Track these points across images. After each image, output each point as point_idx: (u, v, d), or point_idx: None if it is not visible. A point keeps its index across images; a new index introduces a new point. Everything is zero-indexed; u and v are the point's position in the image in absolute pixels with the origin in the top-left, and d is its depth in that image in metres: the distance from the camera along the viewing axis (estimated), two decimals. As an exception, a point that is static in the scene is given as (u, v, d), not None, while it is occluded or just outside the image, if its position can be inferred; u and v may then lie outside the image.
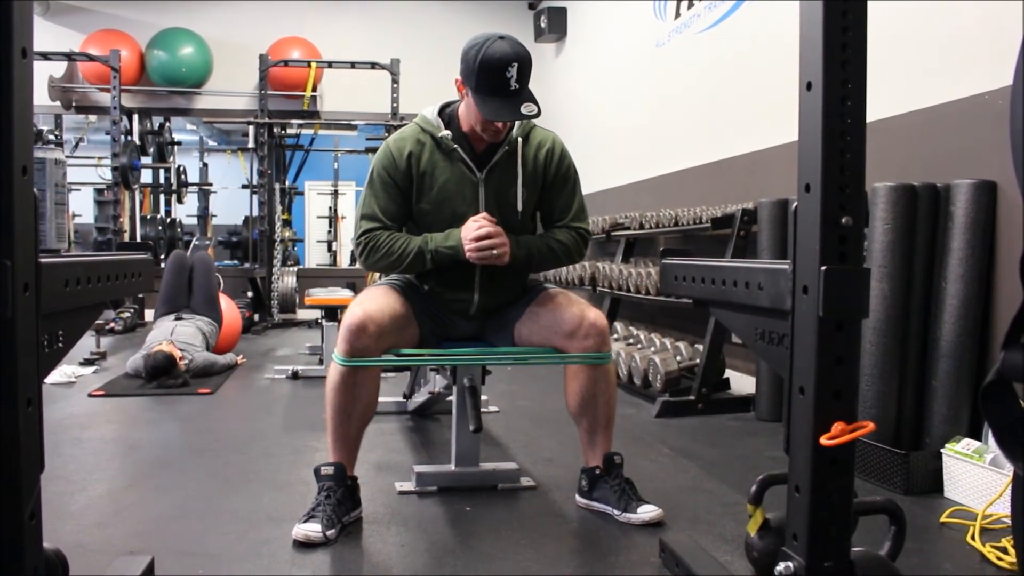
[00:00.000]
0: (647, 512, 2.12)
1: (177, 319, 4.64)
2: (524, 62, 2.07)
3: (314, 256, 11.82)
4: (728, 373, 3.99)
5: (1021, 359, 0.94)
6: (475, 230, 2.16)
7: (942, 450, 2.36)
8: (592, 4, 6.75)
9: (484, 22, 7.08)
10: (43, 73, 7.25)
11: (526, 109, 2.06)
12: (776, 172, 3.77)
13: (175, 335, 4.43)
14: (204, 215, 9.58)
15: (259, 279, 7.27)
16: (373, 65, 7.02)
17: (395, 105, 7.06)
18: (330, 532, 1.97)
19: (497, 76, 2.05)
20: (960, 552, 1.97)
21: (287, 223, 8.41)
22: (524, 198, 2.28)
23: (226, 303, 5.19)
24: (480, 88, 2.08)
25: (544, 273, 5.68)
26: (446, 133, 2.22)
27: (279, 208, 7.97)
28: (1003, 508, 2.08)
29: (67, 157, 7.03)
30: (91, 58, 6.79)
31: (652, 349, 4.04)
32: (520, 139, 2.27)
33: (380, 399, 2.23)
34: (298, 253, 8.97)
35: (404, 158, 2.23)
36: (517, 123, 2.26)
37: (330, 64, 7.27)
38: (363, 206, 2.28)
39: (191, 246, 8.60)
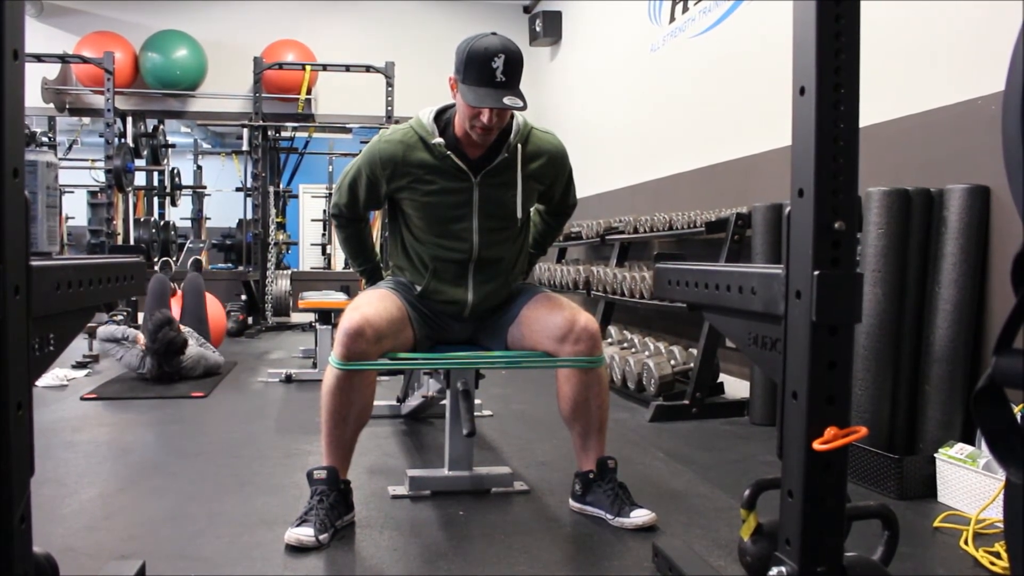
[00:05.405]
0: (640, 516, 2.12)
1: None
2: (512, 56, 2.07)
3: (308, 259, 11.80)
4: (722, 377, 4.00)
5: (1013, 364, 0.94)
6: None
7: (935, 455, 2.36)
8: (587, 8, 6.76)
9: (479, 25, 7.03)
10: (37, 75, 7.22)
11: (509, 100, 2.05)
12: (770, 176, 3.78)
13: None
14: (198, 218, 9.56)
15: (253, 282, 7.26)
16: (368, 68, 7.02)
17: (390, 108, 7.05)
18: (323, 536, 1.97)
19: (484, 66, 2.05)
20: (953, 557, 1.97)
21: (281, 226, 8.40)
22: (523, 202, 2.28)
23: (209, 299, 5.22)
24: (468, 78, 2.08)
25: (539, 276, 5.71)
26: (439, 141, 2.21)
27: (273, 211, 7.96)
28: (996, 513, 2.08)
29: (60, 159, 7.03)
30: (85, 60, 6.77)
31: (646, 353, 4.04)
32: (520, 145, 2.27)
33: (374, 403, 2.23)
34: (288, 260, 8.93)
35: (392, 162, 2.23)
36: (515, 130, 2.25)
37: (325, 67, 7.27)
38: (342, 187, 2.38)
39: (184, 248, 8.59)
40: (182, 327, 4.59)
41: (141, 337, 4.27)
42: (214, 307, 5.35)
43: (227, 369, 4.74)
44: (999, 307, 2.42)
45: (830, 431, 1.22)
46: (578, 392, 2.23)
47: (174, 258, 8.64)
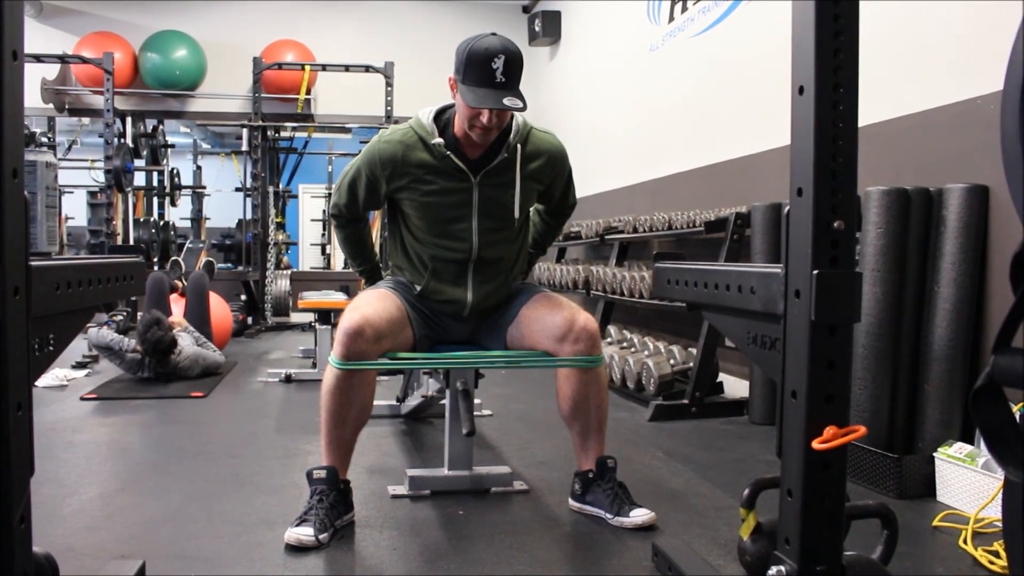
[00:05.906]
0: (640, 516, 2.12)
1: None
2: (512, 57, 2.07)
3: (308, 259, 11.80)
4: (722, 377, 4.00)
5: (1012, 363, 0.94)
6: None
7: (934, 454, 2.36)
8: (586, 7, 6.76)
9: (478, 25, 7.03)
10: (36, 75, 7.23)
11: (509, 101, 2.05)
12: (770, 176, 3.78)
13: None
14: (197, 218, 9.56)
15: (252, 282, 7.25)
16: (367, 68, 7.02)
17: (389, 108, 7.06)
18: (323, 536, 1.97)
19: (484, 67, 2.05)
20: (952, 556, 1.97)
21: (281, 226, 8.40)
22: (521, 202, 2.28)
23: (215, 300, 5.22)
24: (467, 79, 2.08)
25: (539, 276, 5.71)
26: (439, 141, 2.21)
27: (273, 211, 7.96)
28: (995, 512, 2.08)
29: (60, 160, 7.02)
30: (84, 60, 6.77)
31: (645, 353, 4.05)
32: (519, 145, 2.27)
33: (374, 403, 2.23)
34: (289, 258, 8.93)
35: (391, 162, 2.23)
36: (515, 130, 2.25)
37: (324, 67, 7.27)
38: (341, 187, 2.38)
39: (184, 249, 8.59)
40: (181, 324, 4.59)
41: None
42: (220, 307, 5.34)
43: (227, 369, 4.74)
44: (998, 306, 2.42)
45: (829, 430, 1.22)
46: (577, 391, 2.23)
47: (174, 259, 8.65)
